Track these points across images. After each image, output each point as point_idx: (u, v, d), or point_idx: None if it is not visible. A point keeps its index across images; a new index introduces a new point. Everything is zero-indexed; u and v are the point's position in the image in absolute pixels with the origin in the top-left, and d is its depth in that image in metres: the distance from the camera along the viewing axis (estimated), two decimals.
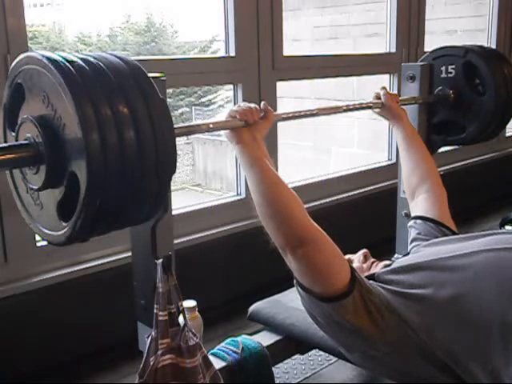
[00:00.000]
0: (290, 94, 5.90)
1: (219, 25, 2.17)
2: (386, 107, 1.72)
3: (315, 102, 6.24)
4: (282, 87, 2.32)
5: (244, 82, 2.18)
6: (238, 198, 2.27)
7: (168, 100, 1.15)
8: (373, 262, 1.47)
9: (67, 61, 0.87)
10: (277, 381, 1.63)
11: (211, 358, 1.35)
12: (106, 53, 0.96)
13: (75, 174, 0.89)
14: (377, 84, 1.94)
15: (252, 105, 1.34)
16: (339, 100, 5.95)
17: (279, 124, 2.30)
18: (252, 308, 1.70)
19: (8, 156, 0.94)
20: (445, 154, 2.96)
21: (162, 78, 1.21)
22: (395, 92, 2.03)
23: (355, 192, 2.62)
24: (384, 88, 1.76)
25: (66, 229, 0.95)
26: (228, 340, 1.57)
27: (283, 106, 2.44)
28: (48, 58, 0.88)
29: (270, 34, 2.23)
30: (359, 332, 1.16)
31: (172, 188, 1.15)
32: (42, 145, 0.92)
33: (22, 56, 0.95)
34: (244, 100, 2.15)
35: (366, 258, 1.48)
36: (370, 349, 1.18)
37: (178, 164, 0.98)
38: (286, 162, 2.84)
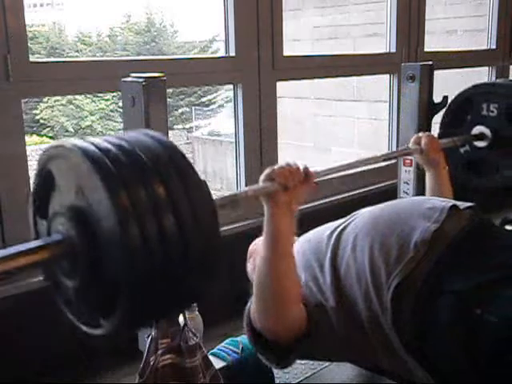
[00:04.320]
0: (290, 94, 5.90)
1: (219, 25, 2.16)
2: (424, 153, 1.67)
3: (315, 101, 6.25)
4: (282, 87, 2.32)
5: (244, 81, 2.17)
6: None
7: (168, 100, 1.15)
8: None
9: (100, 150, 0.80)
10: (277, 381, 1.63)
11: (211, 358, 1.35)
12: (139, 132, 0.88)
13: (114, 272, 0.80)
14: (377, 84, 1.94)
15: (293, 165, 1.26)
16: (339, 100, 5.96)
17: (279, 124, 2.30)
18: None
19: (40, 256, 0.84)
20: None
21: (162, 78, 1.21)
22: (398, 94, 2.01)
23: (355, 192, 2.62)
24: (428, 135, 1.71)
25: (103, 328, 0.87)
26: (228, 340, 1.58)
27: (283, 106, 2.44)
28: (80, 148, 0.80)
29: (270, 34, 2.23)
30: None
31: None
32: (75, 238, 0.83)
33: (52, 144, 0.87)
34: (244, 100, 2.15)
35: None
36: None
37: None
38: None
